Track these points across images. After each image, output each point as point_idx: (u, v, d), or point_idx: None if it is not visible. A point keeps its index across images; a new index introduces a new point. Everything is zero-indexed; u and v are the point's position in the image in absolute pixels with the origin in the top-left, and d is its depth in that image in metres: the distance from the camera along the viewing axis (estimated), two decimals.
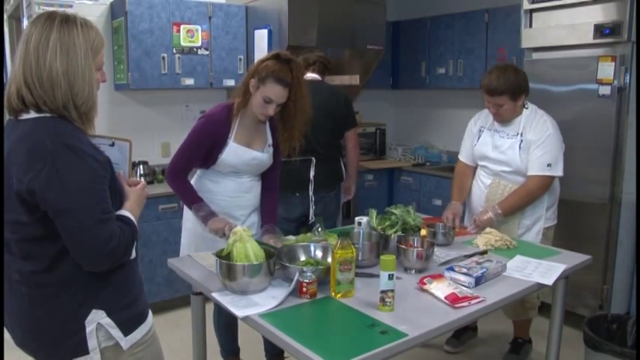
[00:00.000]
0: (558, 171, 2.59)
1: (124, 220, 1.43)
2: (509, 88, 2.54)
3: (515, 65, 2.81)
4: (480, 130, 2.78)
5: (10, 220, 1.36)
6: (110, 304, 1.42)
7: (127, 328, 1.44)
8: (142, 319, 1.49)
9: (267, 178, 2.45)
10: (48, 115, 1.35)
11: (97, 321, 1.39)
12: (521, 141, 2.60)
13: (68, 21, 1.37)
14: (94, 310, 1.39)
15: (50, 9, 3.44)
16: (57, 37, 1.34)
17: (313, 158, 2.96)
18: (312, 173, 2.96)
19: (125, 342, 1.43)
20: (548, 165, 2.55)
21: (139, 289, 1.52)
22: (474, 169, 2.87)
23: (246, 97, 2.24)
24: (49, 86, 1.33)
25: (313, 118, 2.96)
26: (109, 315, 1.41)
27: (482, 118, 2.80)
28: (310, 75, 3.08)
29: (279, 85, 2.17)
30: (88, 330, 1.38)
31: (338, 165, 3.16)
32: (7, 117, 1.42)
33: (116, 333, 1.41)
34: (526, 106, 2.66)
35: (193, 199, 2.28)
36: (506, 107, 2.59)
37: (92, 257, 1.34)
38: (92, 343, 1.39)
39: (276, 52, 2.25)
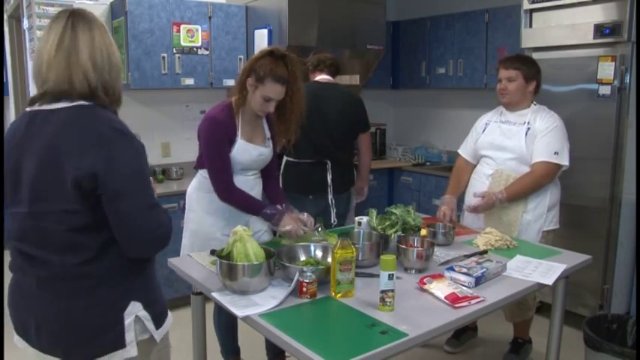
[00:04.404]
0: (564, 160, 2.60)
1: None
2: (525, 64, 2.66)
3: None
4: (487, 124, 2.82)
5: (57, 210, 1.32)
6: (145, 296, 1.42)
7: (157, 322, 1.44)
8: (166, 313, 1.51)
9: (265, 168, 2.45)
10: (84, 102, 1.34)
11: (135, 313, 1.39)
12: (528, 129, 2.63)
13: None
14: (132, 302, 1.38)
15: (50, 9, 3.44)
16: (104, 29, 1.40)
17: (328, 161, 2.96)
18: (329, 176, 2.96)
19: (157, 335, 1.43)
20: (555, 153, 2.57)
21: (159, 284, 1.53)
22: (473, 167, 2.87)
23: (243, 95, 2.22)
24: (116, 73, 1.40)
25: (329, 121, 2.96)
26: (145, 307, 1.40)
27: (490, 114, 2.85)
28: (325, 77, 3.10)
29: (278, 83, 2.16)
30: (126, 322, 1.37)
31: (351, 168, 3.17)
32: (10, 111, 1.44)
33: (150, 326, 1.41)
34: (534, 102, 2.71)
35: (257, 207, 2.26)
36: (517, 84, 2.64)
37: (142, 243, 1.35)
38: (130, 336, 1.38)
39: (270, 49, 2.21)
